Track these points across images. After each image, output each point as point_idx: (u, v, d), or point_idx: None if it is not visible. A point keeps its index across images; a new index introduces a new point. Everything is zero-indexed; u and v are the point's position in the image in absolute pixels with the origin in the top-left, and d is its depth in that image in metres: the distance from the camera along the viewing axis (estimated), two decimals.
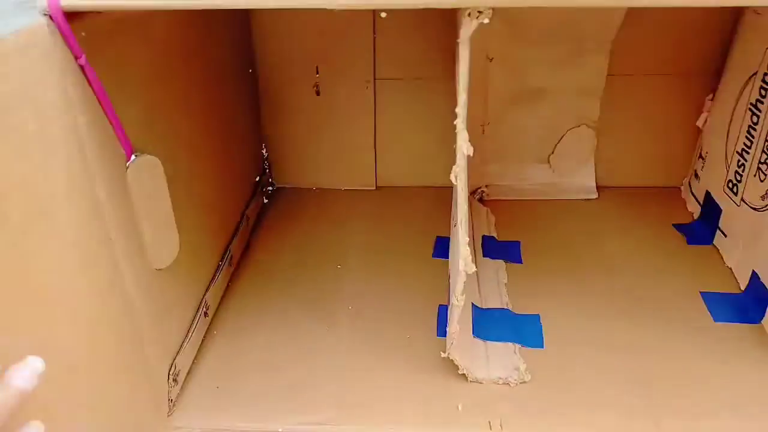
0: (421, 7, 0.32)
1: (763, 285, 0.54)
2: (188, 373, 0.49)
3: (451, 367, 0.48)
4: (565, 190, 0.77)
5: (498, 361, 0.50)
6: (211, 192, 0.55)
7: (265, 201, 0.76)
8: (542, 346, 0.52)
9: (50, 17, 0.30)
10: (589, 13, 0.64)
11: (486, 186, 0.77)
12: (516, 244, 0.67)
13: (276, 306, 0.58)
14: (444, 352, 0.48)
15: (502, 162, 0.76)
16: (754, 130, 0.57)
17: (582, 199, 0.76)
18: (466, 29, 0.35)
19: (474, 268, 0.43)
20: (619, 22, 0.65)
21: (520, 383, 0.48)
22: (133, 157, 0.37)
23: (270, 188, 0.79)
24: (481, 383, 0.48)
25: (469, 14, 0.34)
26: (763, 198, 0.56)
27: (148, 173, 0.39)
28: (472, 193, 0.77)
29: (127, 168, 0.37)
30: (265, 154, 0.77)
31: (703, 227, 0.67)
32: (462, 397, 0.47)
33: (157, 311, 0.43)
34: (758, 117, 0.57)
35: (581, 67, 0.70)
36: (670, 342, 0.53)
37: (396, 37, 0.70)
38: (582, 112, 0.73)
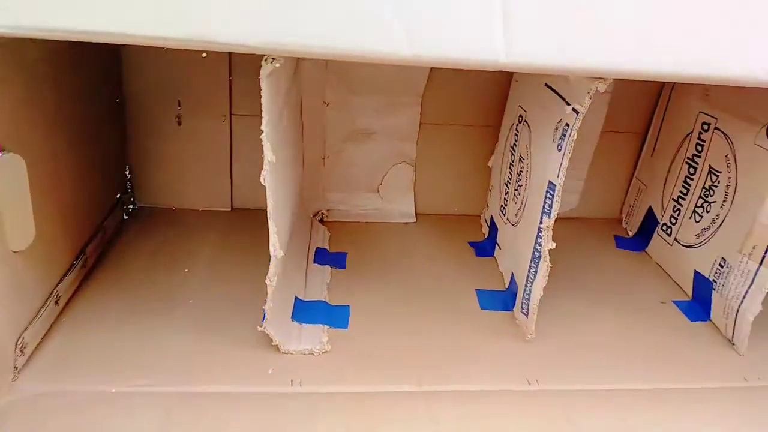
0: (219, 50, 0.43)
1: (516, 283, 0.72)
2: (36, 348, 0.56)
3: (268, 340, 0.60)
4: (390, 214, 0.93)
5: (308, 337, 0.63)
6: (70, 198, 0.64)
7: (126, 217, 0.85)
8: (346, 327, 0.66)
9: None
10: (398, 71, 0.82)
11: (327, 210, 0.92)
12: (343, 255, 0.81)
13: (124, 300, 0.67)
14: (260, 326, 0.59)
15: (339, 191, 0.91)
16: (519, 169, 0.77)
17: (403, 222, 0.93)
18: (264, 71, 0.48)
19: (281, 253, 0.55)
20: (424, 82, 0.84)
21: (323, 353, 0.61)
22: (0, 153, 0.47)
23: (132, 206, 0.87)
24: (292, 354, 0.61)
25: (265, 60, 0.47)
26: (516, 214, 0.74)
27: (12, 168, 0.49)
28: (314, 215, 0.90)
29: None
30: (128, 176, 0.86)
31: (489, 243, 0.86)
32: (273, 364, 0.59)
33: (11, 286, 0.51)
34: (515, 153, 0.76)
35: (399, 116, 0.87)
36: (446, 323, 0.68)
37: (252, 77, 0.84)
38: (402, 152, 0.90)
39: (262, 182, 0.52)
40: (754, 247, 0.66)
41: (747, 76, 0.48)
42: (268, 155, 0.50)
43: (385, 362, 0.61)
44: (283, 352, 0.61)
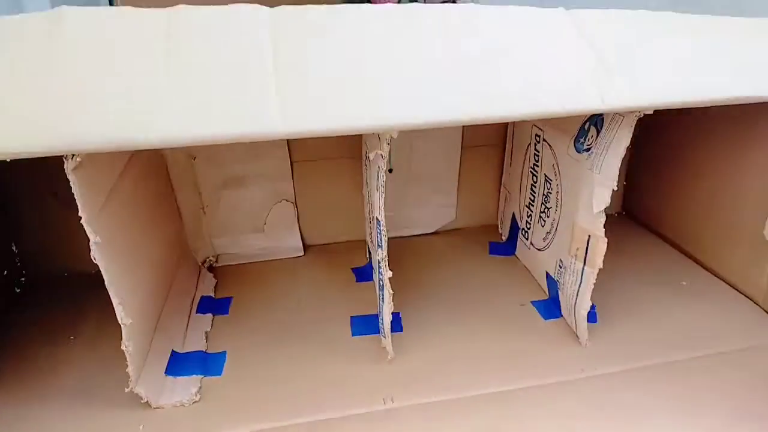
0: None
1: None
2: None
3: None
4: (278, 251, 0.98)
5: (180, 390, 0.67)
6: None
7: (17, 291, 0.88)
8: (220, 374, 0.71)
9: None
10: None
11: (216, 256, 0.96)
12: (228, 299, 0.86)
13: (15, 379, 0.71)
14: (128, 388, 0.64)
15: (225, 236, 0.96)
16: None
17: (292, 257, 0.98)
18: (68, 166, 0.52)
19: (130, 321, 0.60)
20: None
21: (193, 403, 0.66)
22: None
23: (21, 279, 0.90)
24: (163, 408, 0.65)
25: (65, 157, 0.52)
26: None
27: None
28: (202, 263, 0.95)
29: None
30: (16, 250, 0.89)
31: (368, 267, 0.92)
32: (145, 420, 0.64)
33: None
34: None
35: (267, 159, 0.93)
36: (317, 354, 0.74)
37: None
38: (280, 191, 0.96)
39: (94, 260, 0.57)
40: (577, 249, 0.74)
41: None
42: (92, 237, 0.55)
43: (254, 403, 0.67)
44: (155, 408, 0.65)
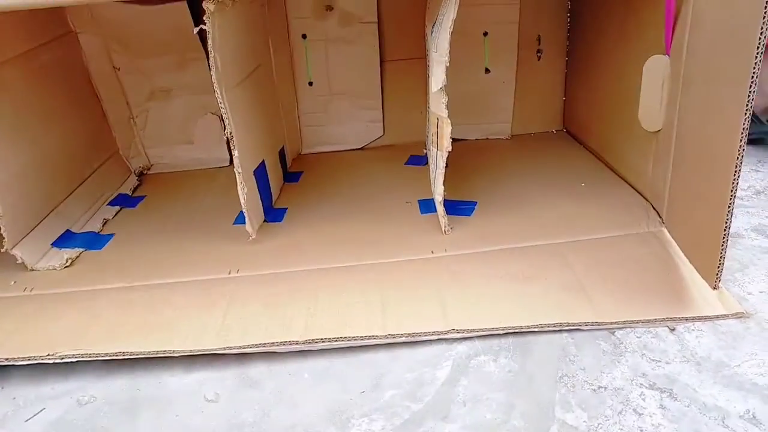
0: None
1: None
2: None
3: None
4: (207, 161, 1.04)
5: (57, 257, 0.75)
6: None
7: None
8: (100, 249, 0.79)
9: None
10: (172, 31, 0.92)
11: (150, 165, 1.04)
12: (141, 198, 0.94)
13: None
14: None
15: (157, 146, 1.03)
16: None
17: (218, 167, 1.04)
18: None
19: None
20: (195, 39, 0.94)
21: (64, 267, 0.74)
22: None
23: None
24: (39, 270, 0.74)
25: None
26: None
27: None
28: (134, 170, 1.03)
29: None
30: None
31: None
32: (21, 277, 0.72)
33: None
34: None
35: (190, 71, 0.98)
36: (195, 234, 0.79)
37: None
38: (205, 104, 1.01)
39: None
40: (434, 135, 0.73)
41: None
42: None
43: (117, 269, 0.73)
44: (30, 269, 0.74)
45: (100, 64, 0.95)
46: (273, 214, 0.85)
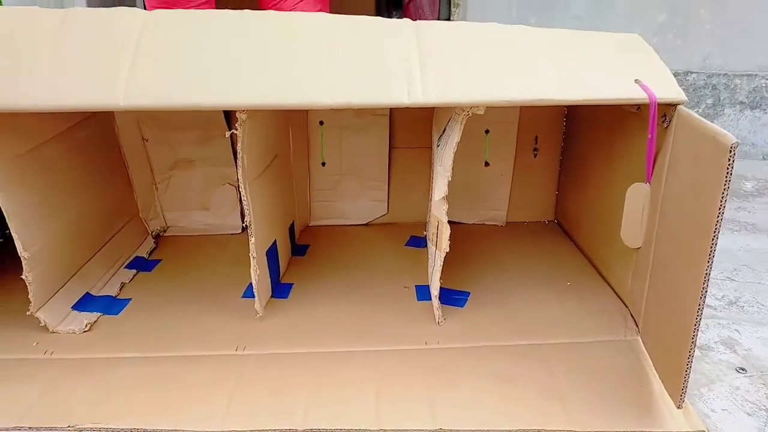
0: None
1: None
2: None
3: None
4: (220, 227, 1.11)
5: (77, 322, 0.81)
6: None
7: (1, 240, 1.07)
8: (117, 314, 0.84)
9: None
10: (201, 112, 1.01)
11: (166, 228, 1.11)
12: (157, 261, 1.00)
13: None
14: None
15: (175, 210, 1.10)
16: None
17: (230, 234, 1.11)
18: None
19: (27, 255, 0.74)
20: (220, 119, 1.03)
21: (83, 332, 0.79)
22: None
23: (7, 232, 1.09)
24: (59, 333, 0.79)
25: None
26: None
27: None
28: (152, 232, 1.10)
29: None
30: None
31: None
32: (43, 338, 0.78)
33: None
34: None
35: (213, 146, 1.06)
36: (204, 304, 0.85)
37: None
38: (224, 175, 1.09)
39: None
40: (434, 234, 0.80)
41: None
42: None
43: (133, 338, 0.79)
44: (51, 332, 0.79)
45: (131, 136, 1.03)
46: (280, 289, 0.91)
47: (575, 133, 1.05)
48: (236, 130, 0.72)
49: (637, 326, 0.77)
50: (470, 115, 0.70)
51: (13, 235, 0.73)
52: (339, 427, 0.63)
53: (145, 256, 1.02)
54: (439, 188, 0.75)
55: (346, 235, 1.11)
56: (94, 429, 0.62)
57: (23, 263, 0.75)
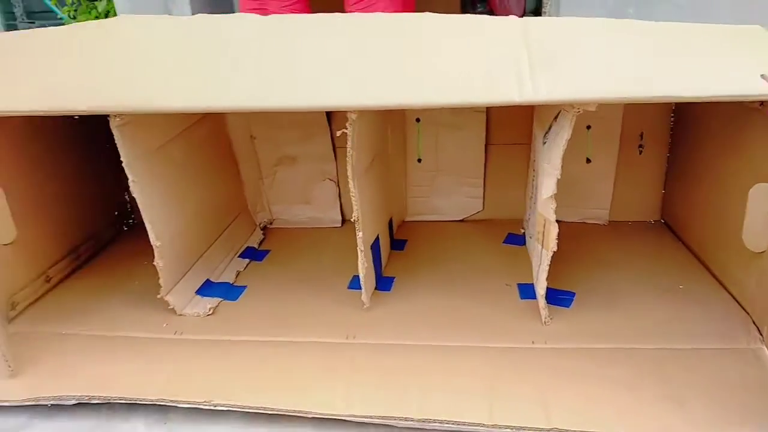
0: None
1: None
2: (27, 305, 0.88)
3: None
4: (321, 220, 1.16)
5: (201, 305, 0.88)
6: (60, 212, 0.96)
7: (125, 229, 1.17)
8: (236, 300, 0.90)
9: None
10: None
11: (272, 220, 1.17)
12: (266, 252, 1.06)
13: (98, 282, 0.97)
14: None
15: (280, 203, 1.16)
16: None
17: (330, 227, 1.15)
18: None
19: (159, 243, 0.81)
20: (322, 118, 1.07)
21: (206, 315, 0.86)
22: None
23: (131, 220, 1.19)
24: (185, 315, 0.86)
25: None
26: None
27: None
28: (259, 224, 1.16)
29: None
30: (128, 197, 1.18)
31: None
32: (171, 320, 0.85)
33: (2, 263, 0.82)
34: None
35: (314, 143, 1.11)
36: (315, 291, 0.90)
37: None
38: (324, 171, 1.13)
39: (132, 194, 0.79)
40: (539, 233, 0.80)
41: None
42: (130, 177, 0.77)
43: (251, 322, 0.85)
44: (179, 314, 0.86)
45: (241, 134, 1.10)
46: (383, 282, 0.94)
47: (685, 128, 1.01)
48: (346, 129, 0.75)
49: (761, 334, 0.74)
50: (580, 112, 0.69)
51: (147, 225, 0.80)
52: (454, 419, 0.65)
53: (256, 246, 1.08)
54: (547, 186, 0.75)
55: (442, 231, 1.13)
56: (227, 405, 0.68)
57: (155, 251, 0.82)
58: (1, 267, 0.83)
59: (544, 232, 0.78)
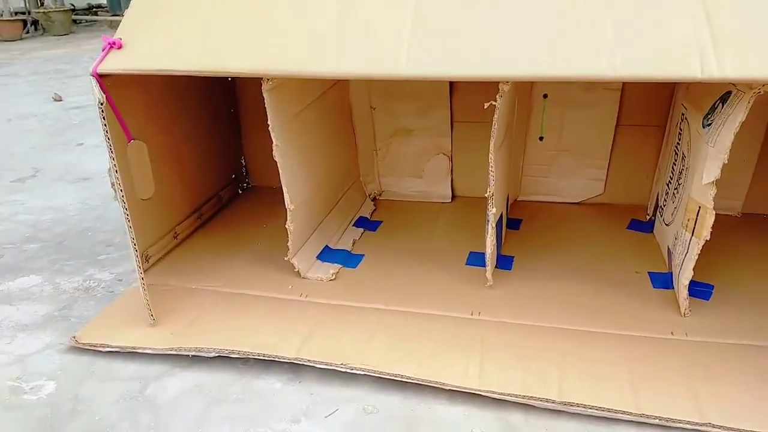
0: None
1: None
2: (158, 259, 0.92)
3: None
4: (431, 195, 1.14)
5: (323, 271, 0.89)
6: (189, 171, 0.99)
7: (240, 192, 1.20)
8: (355, 267, 0.91)
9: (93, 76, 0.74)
10: (428, 82, 1.03)
11: (381, 191, 1.17)
12: (378, 222, 1.06)
13: (221, 240, 1.00)
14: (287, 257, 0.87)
15: (391, 176, 1.16)
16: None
17: (440, 202, 1.14)
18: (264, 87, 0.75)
19: (292, 206, 0.82)
20: (445, 90, 1.04)
21: (329, 280, 0.87)
22: (132, 141, 0.82)
23: (246, 184, 1.22)
24: (308, 279, 0.87)
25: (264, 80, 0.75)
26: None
27: (138, 150, 0.83)
28: (369, 194, 1.16)
29: (128, 146, 0.82)
30: (244, 162, 1.21)
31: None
32: (294, 282, 0.86)
33: (139, 220, 0.85)
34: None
35: (432, 117, 1.09)
36: (429, 267, 0.89)
37: None
38: (438, 145, 1.11)
39: (274, 158, 0.79)
40: (689, 220, 0.75)
41: None
42: (275, 140, 0.77)
43: (370, 289, 0.85)
44: (302, 277, 0.88)
45: (361, 104, 1.09)
46: (502, 261, 0.92)
47: None
48: (495, 101, 0.73)
49: None
50: (761, 92, 0.64)
51: (284, 188, 0.81)
52: (598, 405, 0.62)
53: (368, 216, 1.08)
54: (710, 171, 0.70)
55: (558, 213, 1.09)
56: (363, 370, 0.68)
57: (288, 214, 0.83)
58: (140, 221, 0.87)
59: (697, 220, 0.73)
